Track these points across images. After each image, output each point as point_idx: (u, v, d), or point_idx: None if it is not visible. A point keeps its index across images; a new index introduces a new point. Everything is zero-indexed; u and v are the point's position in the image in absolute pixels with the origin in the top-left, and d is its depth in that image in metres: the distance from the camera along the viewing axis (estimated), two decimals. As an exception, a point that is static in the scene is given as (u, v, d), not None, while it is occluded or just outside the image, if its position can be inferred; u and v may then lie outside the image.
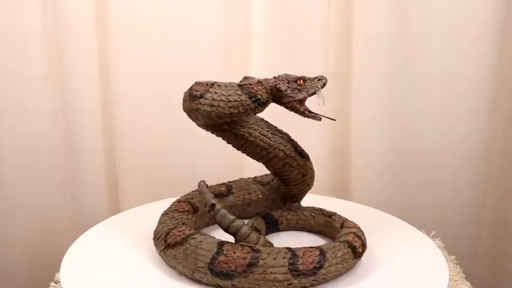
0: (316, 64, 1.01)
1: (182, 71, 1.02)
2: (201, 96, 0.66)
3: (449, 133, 1.06)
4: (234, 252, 0.60)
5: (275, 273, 0.59)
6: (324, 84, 0.70)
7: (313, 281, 0.61)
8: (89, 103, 1.06)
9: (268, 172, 0.78)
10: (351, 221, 0.73)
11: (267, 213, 0.78)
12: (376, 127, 1.05)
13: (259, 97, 0.66)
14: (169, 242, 0.64)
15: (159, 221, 0.70)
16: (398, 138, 1.07)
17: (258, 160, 0.74)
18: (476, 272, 1.12)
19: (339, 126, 1.08)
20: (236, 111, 0.65)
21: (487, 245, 1.12)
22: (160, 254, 0.67)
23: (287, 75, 0.70)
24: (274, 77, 0.70)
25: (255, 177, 0.83)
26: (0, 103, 1.08)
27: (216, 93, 0.65)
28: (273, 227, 0.77)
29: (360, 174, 1.08)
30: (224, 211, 0.64)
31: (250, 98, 0.66)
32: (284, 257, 0.60)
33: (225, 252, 0.60)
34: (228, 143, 0.73)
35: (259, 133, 0.71)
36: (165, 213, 0.72)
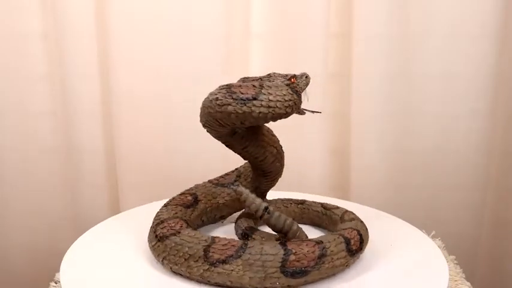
0: (316, 64, 1.01)
1: (182, 71, 1.02)
2: (254, 99, 0.63)
3: (449, 133, 1.06)
4: (302, 249, 0.61)
5: (339, 258, 0.63)
6: (309, 82, 0.70)
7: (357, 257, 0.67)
8: (89, 103, 1.06)
9: (224, 173, 0.79)
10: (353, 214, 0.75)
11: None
12: (376, 127, 1.05)
13: (299, 94, 0.67)
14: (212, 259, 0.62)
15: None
16: (398, 138, 1.07)
17: (253, 160, 0.74)
18: (476, 272, 1.12)
19: (339, 126, 1.08)
20: (291, 110, 0.65)
21: (487, 245, 1.12)
22: (201, 273, 0.62)
23: (279, 73, 0.70)
24: (269, 75, 0.70)
25: (211, 180, 0.80)
26: (0, 103, 1.08)
27: (270, 94, 0.63)
28: None
29: (360, 174, 1.08)
30: (277, 212, 0.65)
31: (298, 96, 0.66)
32: (341, 242, 0.64)
33: (294, 251, 0.60)
34: (228, 146, 0.72)
35: (261, 132, 0.71)
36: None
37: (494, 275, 1.13)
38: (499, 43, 1.01)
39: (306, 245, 0.61)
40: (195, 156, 1.06)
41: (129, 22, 1.01)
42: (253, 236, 0.70)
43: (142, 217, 0.76)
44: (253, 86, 0.64)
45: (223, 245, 0.62)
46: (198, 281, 0.62)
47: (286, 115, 0.65)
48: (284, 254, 0.60)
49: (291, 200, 0.83)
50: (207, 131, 0.70)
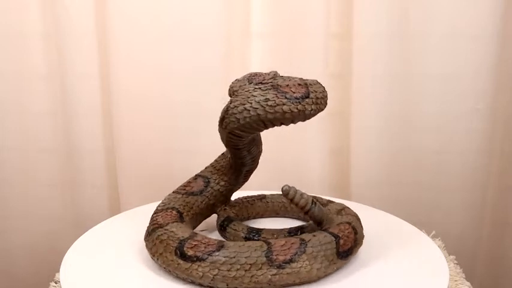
0: (316, 64, 1.01)
1: (182, 71, 1.02)
2: (306, 97, 0.63)
3: (449, 133, 1.06)
4: (344, 232, 0.65)
5: (362, 236, 0.70)
6: None
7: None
8: (89, 103, 1.06)
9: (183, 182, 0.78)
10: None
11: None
12: (376, 127, 1.05)
13: None
14: None
15: None
16: (398, 138, 1.07)
17: (249, 160, 0.74)
18: (476, 272, 1.12)
19: (339, 126, 1.08)
20: (325, 106, 0.66)
21: (487, 245, 1.12)
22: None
23: (260, 73, 0.70)
24: (274, 73, 0.70)
25: (178, 191, 0.76)
26: (0, 103, 1.08)
27: (316, 91, 0.64)
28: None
29: (360, 174, 1.08)
30: (318, 204, 0.68)
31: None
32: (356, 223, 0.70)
33: (340, 235, 0.64)
34: (237, 150, 0.72)
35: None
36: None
37: (494, 275, 1.13)
38: (499, 43, 1.01)
39: (344, 227, 0.66)
40: (195, 156, 1.05)
41: (129, 22, 1.01)
42: (262, 235, 0.71)
43: (142, 217, 0.76)
44: (299, 84, 0.64)
45: (282, 245, 0.61)
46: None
47: (321, 111, 0.66)
48: (336, 241, 0.63)
49: (253, 196, 0.85)
50: (228, 139, 0.68)
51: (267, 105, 0.62)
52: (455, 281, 0.70)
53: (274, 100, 0.62)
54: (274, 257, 0.60)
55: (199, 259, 0.60)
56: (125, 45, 1.02)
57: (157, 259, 0.64)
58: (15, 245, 1.16)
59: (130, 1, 1.00)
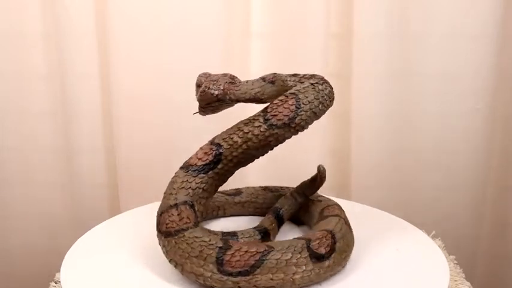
0: (316, 64, 1.01)
1: (182, 70, 1.02)
2: (332, 87, 0.69)
3: (449, 133, 1.06)
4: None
5: None
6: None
7: None
8: (89, 103, 1.06)
9: None
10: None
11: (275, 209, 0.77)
12: (376, 127, 1.05)
13: None
14: None
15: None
16: (398, 138, 1.07)
17: None
18: (476, 272, 1.12)
19: (339, 126, 1.08)
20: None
21: (486, 245, 1.12)
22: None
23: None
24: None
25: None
26: (0, 103, 1.08)
27: None
28: (280, 221, 0.76)
29: (360, 174, 1.08)
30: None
31: None
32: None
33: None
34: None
35: None
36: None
37: (494, 275, 1.13)
38: (499, 43, 1.01)
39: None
40: (195, 156, 1.05)
41: (129, 22, 1.01)
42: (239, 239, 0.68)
43: (142, 217, 0.76)
44: (319, 76, 0.70)
45: (319, 238, 0.62)
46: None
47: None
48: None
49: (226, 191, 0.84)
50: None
51: (332, 96, 0.69)
52: (455, 281, 0.70)
53: (332, 91, 0.69)
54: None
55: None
56: (125, 45, 1.02)
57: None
58: (15, 245, 1.16)
59: (130, 1, 1.00)
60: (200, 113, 0.74)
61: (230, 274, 0.58)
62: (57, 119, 1.09)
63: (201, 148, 0.70)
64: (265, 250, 0.59)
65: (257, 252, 0.59)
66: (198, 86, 0.71)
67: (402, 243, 0.74)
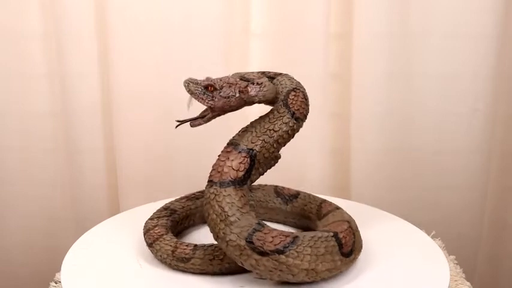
0: (316, 64, 1.01)
1: (182, 69, 1.02)
2: None
3: (449, 133, 1.06)
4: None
5: None
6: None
7: None
8: (89, 103, 1.06)
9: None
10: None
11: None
12: (376, 127, 1.05)
13: None
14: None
15: None
16: (398, 138, 1.07)
17: None
18: (476, 272, 1.12)
19: (339, 126, 1.08)
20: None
21: (486, 245, 1.12)
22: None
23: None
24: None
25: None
26: (0, 103, 1.08)
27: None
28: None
29: (360, 174, 1.07)
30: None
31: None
32: None
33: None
34: None
35: None
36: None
37: (494, 275, 1.13)
38: (499, 43, 1.01)
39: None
40: (196, 156, 1.05)
41: (129, 21, 1.01)
42: None
43: (142, 217, 0.76)
44: None
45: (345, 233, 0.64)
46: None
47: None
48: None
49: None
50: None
51: None
52: (455, 281, 0.70)
53: None
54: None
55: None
56: (125, 45, 1.02)
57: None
58: (15, 244, 1.16)
59: (130, 1, 1.00)
60: (192, 125, 0.69)
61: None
62: (57, 119, 1.09)
63: (227, 159, 0.65)
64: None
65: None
66: (207, 87, 0.65)
67: (402, 243, 0.74)
